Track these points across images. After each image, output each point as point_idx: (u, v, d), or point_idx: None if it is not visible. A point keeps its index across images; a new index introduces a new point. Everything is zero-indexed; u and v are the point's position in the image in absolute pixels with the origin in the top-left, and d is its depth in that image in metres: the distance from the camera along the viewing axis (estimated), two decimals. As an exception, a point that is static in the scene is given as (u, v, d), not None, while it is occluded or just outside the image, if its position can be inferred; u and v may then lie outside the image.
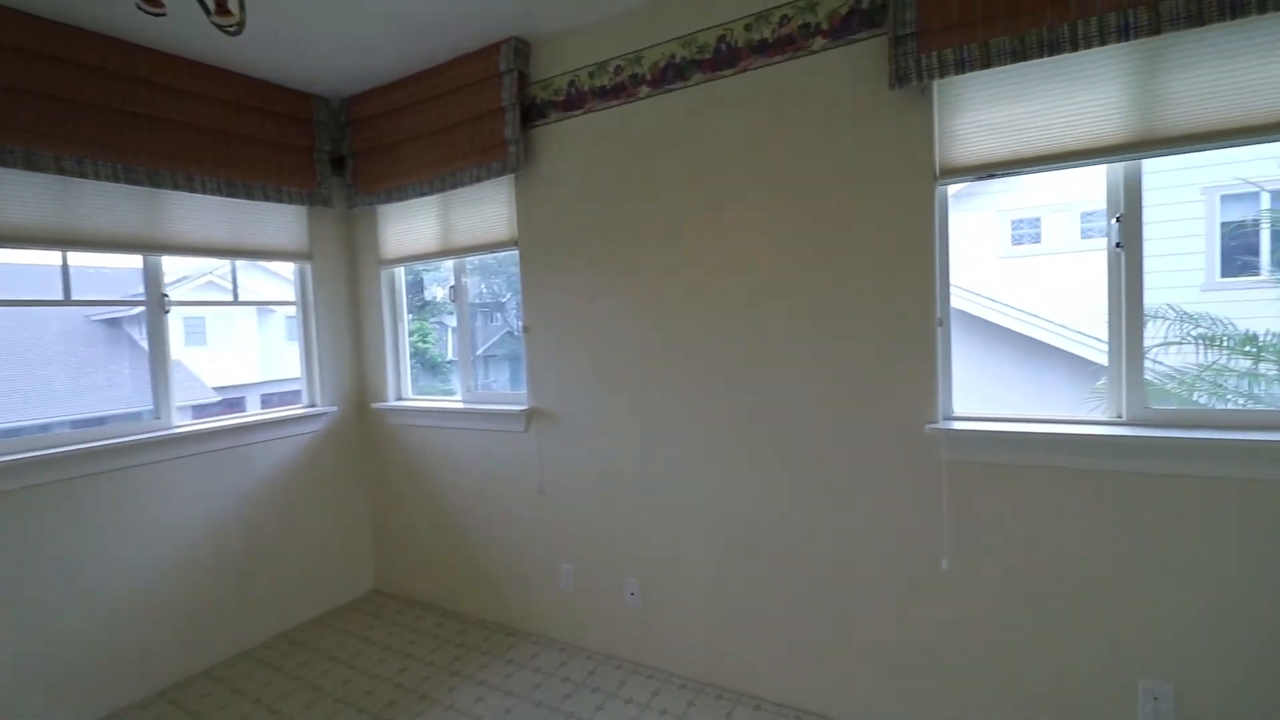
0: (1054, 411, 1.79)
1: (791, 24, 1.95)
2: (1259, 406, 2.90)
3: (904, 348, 1.87)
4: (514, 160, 2.41)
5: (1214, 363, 3.12)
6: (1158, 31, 1.46)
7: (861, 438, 1.95)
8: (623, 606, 2.43)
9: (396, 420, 3.04)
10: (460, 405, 2.83)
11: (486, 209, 2.64)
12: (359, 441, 3.17)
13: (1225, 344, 3.18)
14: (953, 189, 1.91)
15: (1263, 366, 3.00)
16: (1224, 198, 5.27)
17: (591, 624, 2.52)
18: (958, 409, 1.90)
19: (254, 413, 2.86)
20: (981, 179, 1.80)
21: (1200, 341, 3.19)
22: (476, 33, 2.34)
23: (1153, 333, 3.42)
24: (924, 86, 1.77)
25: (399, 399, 3.10)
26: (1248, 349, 3.20)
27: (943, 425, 1.83)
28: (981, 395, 1.93)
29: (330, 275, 3.04)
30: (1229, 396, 3.20)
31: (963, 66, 1.66)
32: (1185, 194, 4.75)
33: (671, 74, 2.16)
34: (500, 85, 2.39)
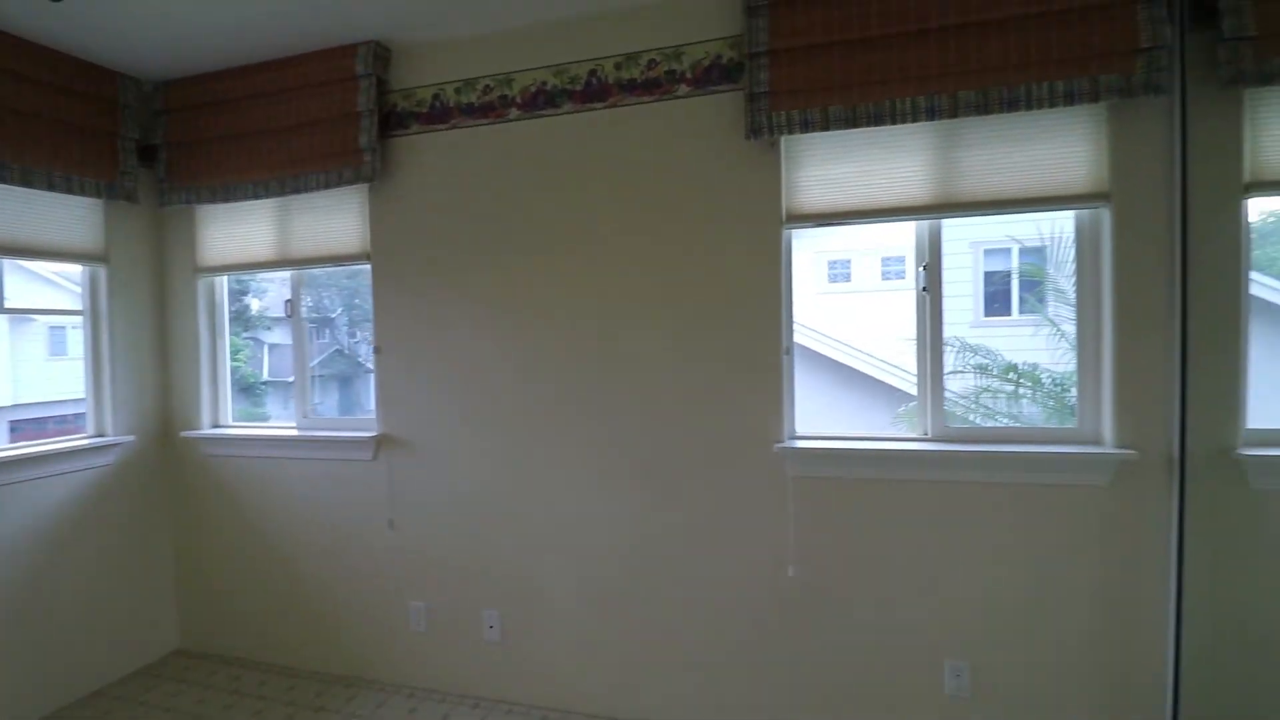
0: (875, 431, 2.06)
1: (659, 68, 2.08)
2: (1018, 424, 3.55)
3: (755, 374, 2.04)
4: (369, 169, 2.26)
5: (987, 387, 3.78)
6: (955, 115, 1.78)
7: (718, 459, 2.08)
8: (482, 641, 2.33)
9: (212, 451, 2.66)
10: (295, 433, 2.55)
11: (334, 219, 2.44)
12: (162, 476, 2.71)
13: (994, 372, 3.88)
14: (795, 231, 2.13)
15: (1020, 390, 3.70)
16: (986, 251, 6.47)
17: (446, 663, 2.37)
18: (799, 429, 2.11)
19: (16, 446, 2.33)
20: (820, 225, 2.04)
21: (976, 370, 3.86)
22: (330, 30, 2.18)
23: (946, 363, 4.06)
24: (774, 140, 1.98)
25: (216, 426, 2.72)
26: (1009, 376, 3.94)
27: (788, 444, 2.02)
28: (807, 417, 2.16)
29: (131, 281, 2.59)
30: (995, 416, 3.90)
31: (806, 127, 1.89)
32: (959, 246, 5.77)
33: (543, 100, 2.18)
34: (357, 89, 2.25)
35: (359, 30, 2.19)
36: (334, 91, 2.26)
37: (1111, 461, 1.77)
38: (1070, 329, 3.69)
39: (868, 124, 1.84)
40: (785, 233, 2.04)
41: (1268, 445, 1.71)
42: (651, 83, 2.09)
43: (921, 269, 2.00)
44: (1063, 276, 3.64)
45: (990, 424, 3.63)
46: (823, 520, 2.00)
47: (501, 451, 2.28)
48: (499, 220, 2.26)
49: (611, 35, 2.10)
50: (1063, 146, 1.80)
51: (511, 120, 2.22)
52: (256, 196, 2.40)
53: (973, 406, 4.05)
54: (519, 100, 2.20)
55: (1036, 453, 1.85)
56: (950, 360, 3.93)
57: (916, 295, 2.03)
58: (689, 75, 2.06)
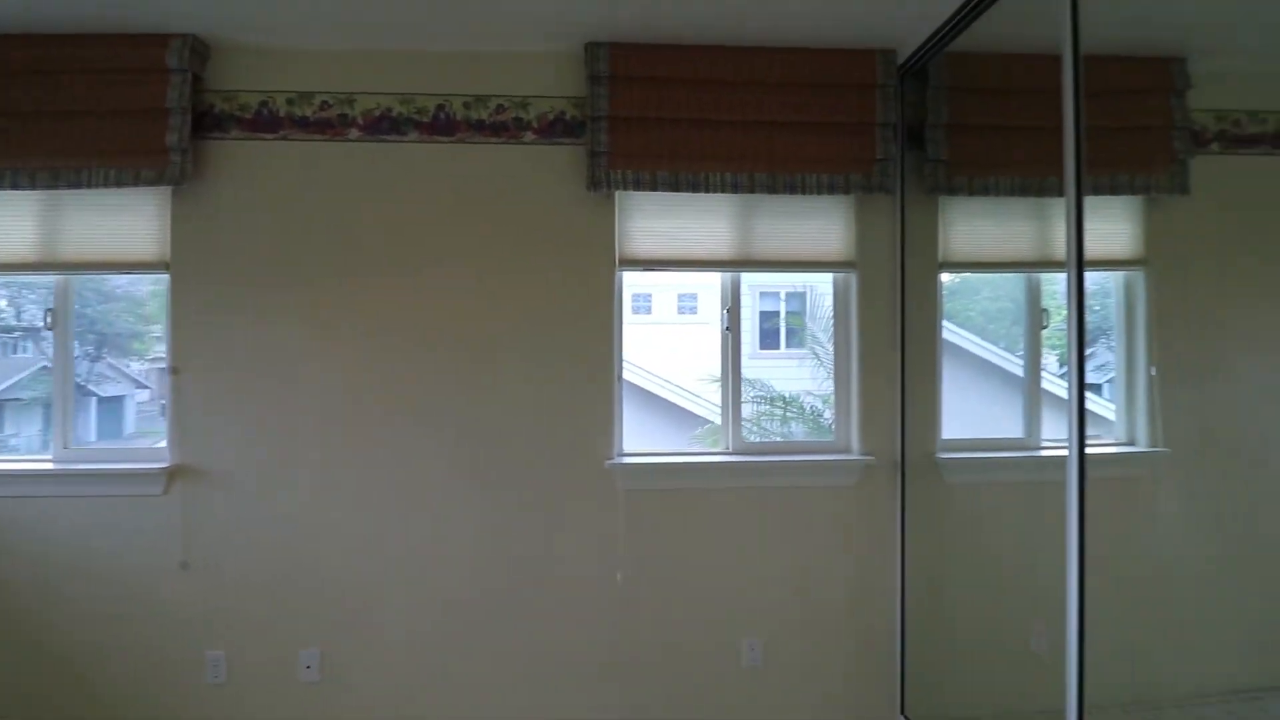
0: (685, 448, 2.41)
1: (507, 114, 2.24)
2: (794, 440, 4.24)
3: (591, 398, 2.27)
4: (176, 171, 2.06)
5: (767, 411, 4.47)
6: (753, 191, 2.22)
7: (556, 477, 2.25)
8: (297, 684, 2.17)
9: (-86, 492, 2.11)
10: (52, 467, 2.15)
11: (123, 221, 2.15)
12: None
13: (770, 400, 4.61)
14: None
15: (789, 414, 4.43)
16: (761, 293, 7.59)
17: (251, 716, 2.16)
18: (626, 447, 2.38)
19: None
20: (648, 270, 2.35)
21: (758, 399, 4.55)
22: (144, 15, 1.96)
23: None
24: (610, 193, 2.25)
25: (-81, 461, 2.17)
26: (778, 403, 4.71)
27: (619, 460, 2.27)
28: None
29: None
30: (770, 435, 4.64)
31: (639, 186, 2.20)
32: (743, 288, 6.80)
33: (387, 125, 2.21)
34: (167, 83, 2.04)
35: (176, 19, 2.01)
36: (140, 81, 2.02)
37: (859, 465, 2.31)
38: (824, 362, 4.50)
39: (688, 190, 2.21)
40: (618, 274, 2.31)
41: (953, 450, 2.38)
42: (500, 126, 2.24)
43: (725, 312, 2.42)
44: (813, 320, 4.49)
45: (773, 440, 4.30)
46: (647, 528, 2.27)
47: (323, 479, 2.19)
48: (331, 239, 2.20)
49: (461, 75, 2.22)
50: (826, 224, 2.34)
51: (352, 140, 2.20)
52: (18, 187, 2.02)
53: (754, 429, 4.76)
54: (361, 122, 2.20)
55: (809, 460, 2.33)
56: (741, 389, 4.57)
57: (720, 334, 2.43)
58: (535, 125, 2.25)
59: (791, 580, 2.31)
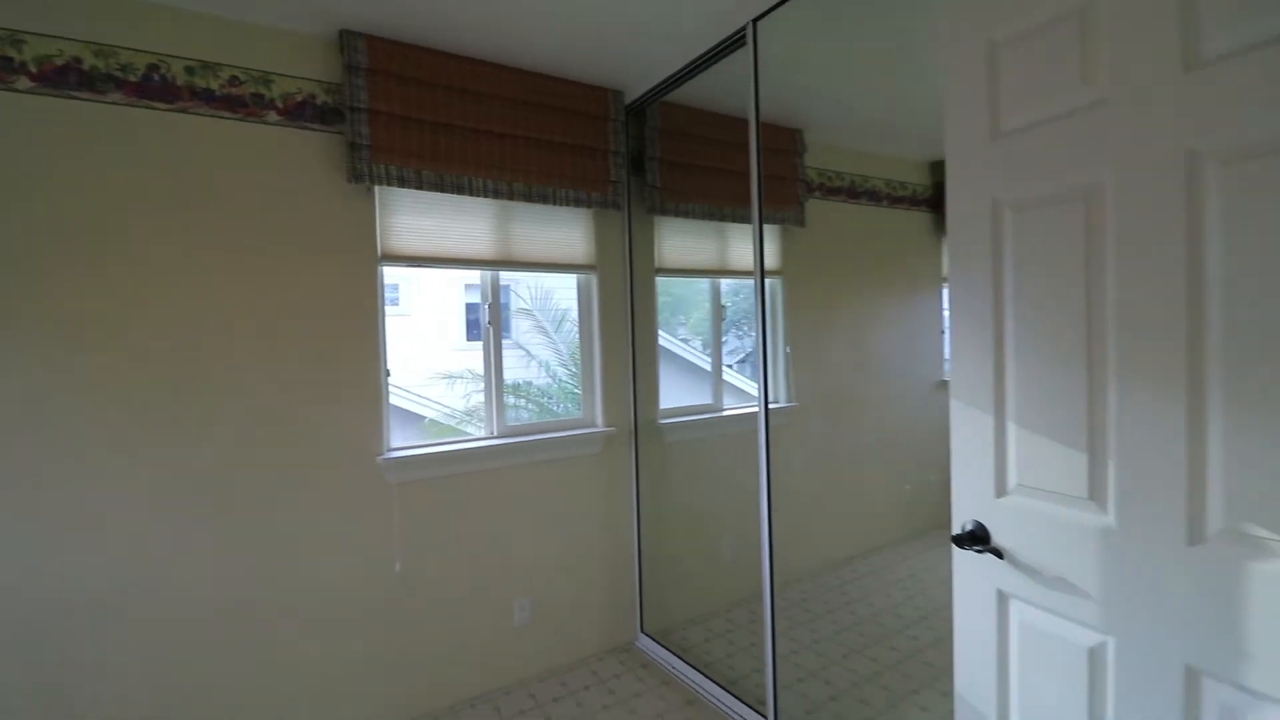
0: (455, 436, 2.55)
1: (244, 87, 2.04)
2: (548, 419, 4.57)
3: (358, 395, 2.24)
4: None
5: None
6: (511, 198, 2.46)
7: (325, 477, 2.17)
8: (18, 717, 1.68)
9: None
10: None
11: None
12: None
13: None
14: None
15: (521, 400, 4.76)
16: (466, 286, 7.73)
17: None
18: (393, 441, 2.40)
19: None
20: (411, 266, 2.40)
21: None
22: None
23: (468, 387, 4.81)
24: (370, 187, 2.24)
25: None
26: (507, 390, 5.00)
27: (389, 456, 2.30)
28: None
29: None
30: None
31: (403, 183, 2.24)
32: (439, 282, 6.90)
33: (75, 80, 1.81)
34: None
35: None
36: None
37: (602, 436, 2.77)
38: (539, 352, 4.93)
39: (453, 192, 2.33)
40: (380, 268, 2.31)
41: (668, 417, 3.01)
42: (235, 100, 2.03)
43: (487, 306, 2.61)
44: (541, 312, 4.90)
45: (531, 421, 4.55)
46: (421, 516, 2.36)
47: (17, 503, 1.73)
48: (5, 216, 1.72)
49: (184, 35, 1.94)
50: (573, 232, 2.72)
51: (21, 91, 1.74)
52: None
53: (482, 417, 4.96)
54: (34, 71, 1.76)
55: (564, 436, 2.70)
56: (465, 384, 4.72)
57: (483, 328, 2.62)
58: (280, 105, 2.10)
59: (555, 540, 2.66)
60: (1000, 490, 1.29)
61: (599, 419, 2.82)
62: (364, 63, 2.14)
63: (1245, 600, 0.94)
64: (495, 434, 2.62)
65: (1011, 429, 1.27)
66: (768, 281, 3.17)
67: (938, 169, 3.71)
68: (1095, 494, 1.13)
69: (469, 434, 2.69)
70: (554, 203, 2.55)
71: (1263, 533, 0.93)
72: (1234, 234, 0.95)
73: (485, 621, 2.49)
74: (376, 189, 2.27)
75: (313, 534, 2.15)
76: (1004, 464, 1.28)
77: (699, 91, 2.65)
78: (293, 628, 2.12)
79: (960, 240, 1.35)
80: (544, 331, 4.66)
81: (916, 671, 2.46)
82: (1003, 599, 1.30)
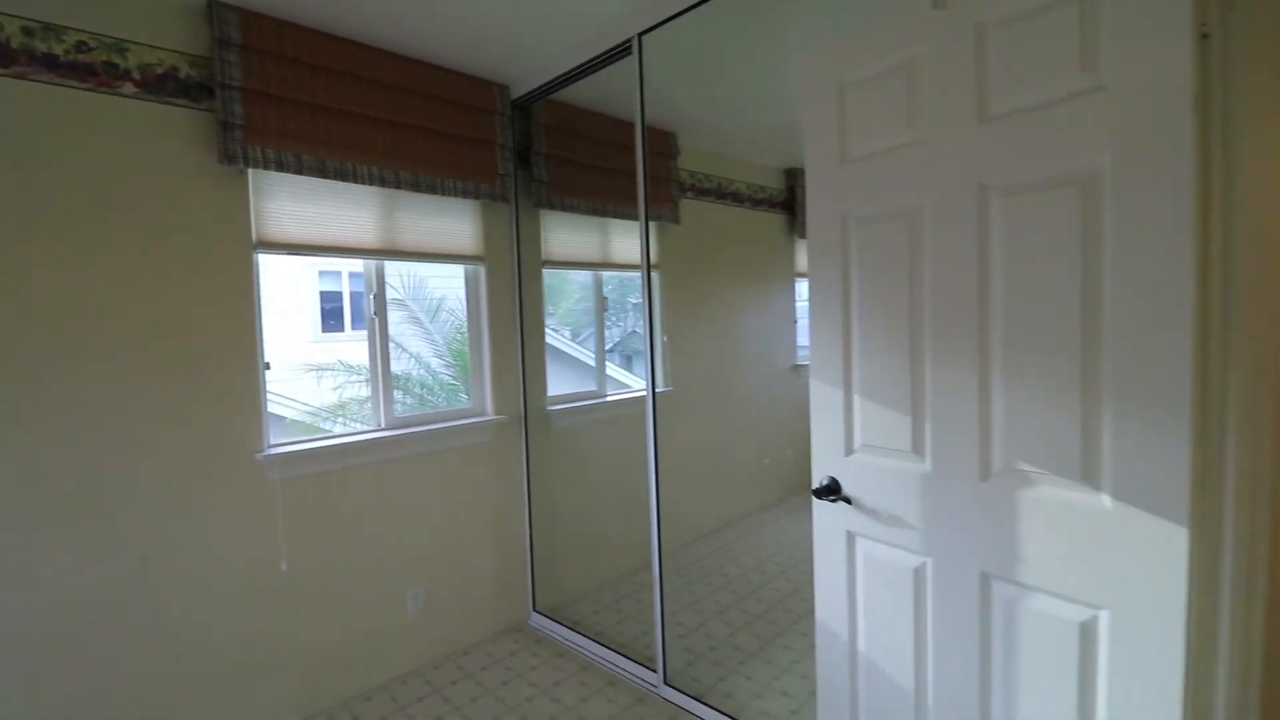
0: (346, 429, 2.49)
1: (94, 55, 1.86)
2: (439, 409, 4.44)
3: (237, 390, 2.13)
4: None
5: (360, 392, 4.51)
6: (399, 187, 2.44)
7: (200, 478, 2.04)
8: None
9: None
10: None
11: None
12: None
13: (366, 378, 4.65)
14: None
15: (399, 394, 4.59)
16: (321, 273, 7.26)
17: None
18: (274, 438, 2.31)
19: None
20: (291, 254, 2.30)
21: (357, 379, 4.54)
22: None
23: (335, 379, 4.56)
24: (243, 170, 2.13)
25: None
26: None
27: (268, 452, 2.21)
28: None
29: None
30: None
31: (282, 167, 2.15)
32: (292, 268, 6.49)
33: (-127, 29, 1.55)
34: None
35: None
36: None
37: (493, 424, 2.84)
38: (413, 344, 4.81)
39: (335, 178, 2.28)
40: (255, 256, 2.20)
41: (556, 404, 3.14)
42: (84, 67, 1.84)
43: (372, 297, 2.57)
44: (415, 301, 4.74)
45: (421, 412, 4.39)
46: (308, 512, 2.29)
47: None
48: None
49: (14, -10, 1.73)
50: (462, 223, 2.74)
51: None
52: None
53: (349, 413, 4.72)
54: None
55: (454, 425, 2.73)
56: (337, 377, 4.49)
57: (368, 318, 2.58)
58: (137, 77, 1.93)
59: (448, 529, 2.69)
60: (849, 450, 1.59)
61: (489, 407, 2.88)
62: (236, 38, 2.03)
63: (1017, 518, 1.29)
64: (383, 426, 2.59)
65: (856, 400, 1.57)
66: (648, 274, 3.41)
67: (791, 175, 4.17)
68: (916, 447, 1.45)
69: (355, 429, 2.63)
70: (442, 193, 2.57)
71: (1029, 468, 1.27)
72: (1009, 249, 1.28)
73: (378, 614, 2.48)
74: (251, 173, 2.16)
75: (192, 537, 2.03)
76: (851, 429, 1.58)
77: (584, 92, 2.78)
78: (178, 634, 1.99)
79: (817, 247, 1.63)
80: (418, 322, 4.54)
81: (780, 618, 2.83)
82: (851, 538, 1.60)
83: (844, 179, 1.56)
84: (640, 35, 2.23)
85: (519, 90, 2.77)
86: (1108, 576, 1.16)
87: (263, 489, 2.18)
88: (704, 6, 2.03)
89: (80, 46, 1.84)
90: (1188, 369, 1.06)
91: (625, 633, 2.75)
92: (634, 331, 4.47)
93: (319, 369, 4.35)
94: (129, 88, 1.92)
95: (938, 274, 1.39)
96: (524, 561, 2.97)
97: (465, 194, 2.64)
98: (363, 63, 2.32)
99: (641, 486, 2.42)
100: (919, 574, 1.46)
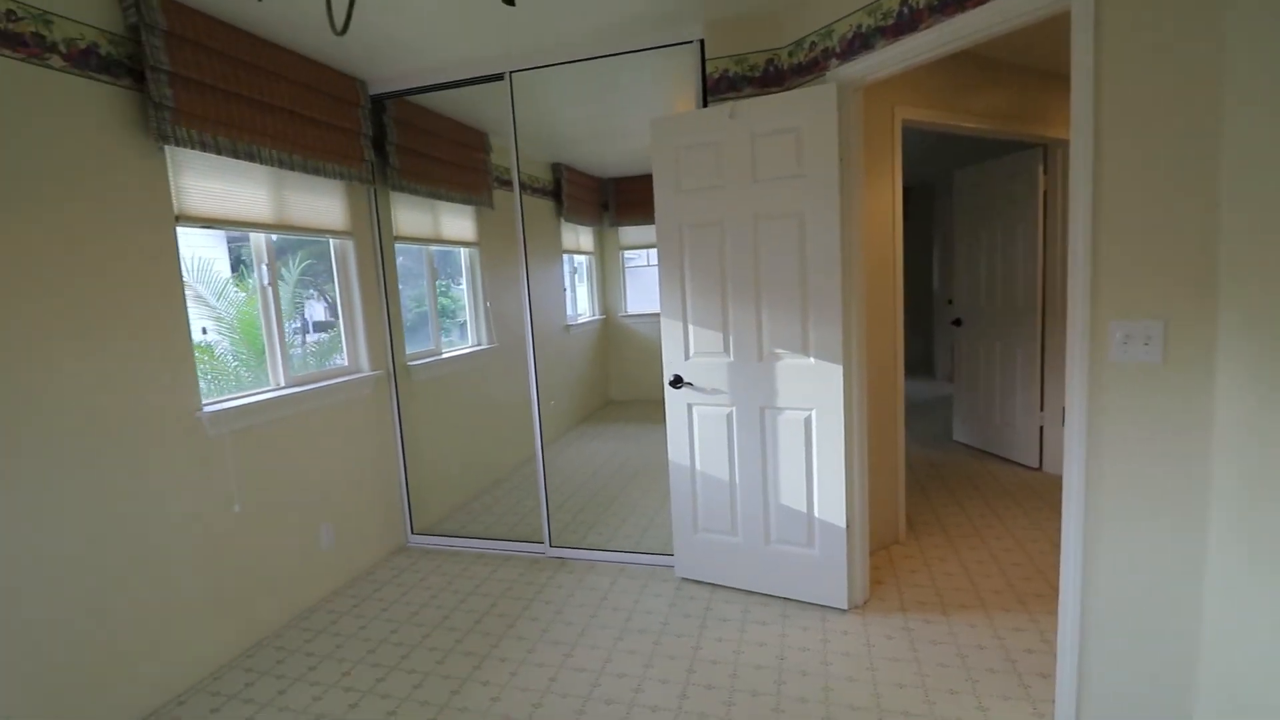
0: (254, 389, 2.72)
1: (23, 24, 1.89)
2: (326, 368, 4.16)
3: (170, 355, 2.31)
4: None
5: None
6: (291, 169, 2.75)
7: (146, 441, 2.21)
8: None
9: None
10: None
11: None
12: None
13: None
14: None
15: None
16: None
17: None
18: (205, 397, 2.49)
19: None
20: (205, 228, 2.46)
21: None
22: None
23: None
24: (161, 148, 2.28)
25: None
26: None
27: (205, 411, 2.43)
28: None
29: None
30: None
31: (204, 148, 2.36)
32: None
33: None
34: None
35: None
36: None
37: (371, 379, 3.30)
38: (202, 322, 4.50)
39: (245, 159, 2.52)
40: (176, 230, 2.35)
41: (413, 360, 3.67)
42: (14, 37, 1.87)
43: (264, 266, 2.81)
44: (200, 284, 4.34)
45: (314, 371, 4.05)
46: (249, 460, 2.56)
47: None
48: None
49: (-52, -46, 1.71)
50: (336, 201, 3.09)
51: None
52: None
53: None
54: None
55: (341, 381, 3.12)
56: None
57: (261, 288, 2.81)
58: (64, 50, 1.99)
59: (347, 472, 3.11)
60: (687, 356, 2.79)
61: (365, 365, 3.31)
62: (161, 24, 2.18)
63: (775, 376, 2.65)
64: (284, 384, 2.88)
65: (691, 328, 2.77)
66: (469, 250, 4.12)
67: (556, 169, 5.19)
68: (725, 349, 2.72)
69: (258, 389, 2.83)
70: (322, 175, 2.93)
71: (780, 350, 2.63)
72: (766, 245, 2.60)
73: (297, 548, 2.83)
74: (168, 150, 2.30)
75: (143, 489, 2.20)
76: (688, 344, 2.78)
77: (432, 98, 3.36)
78: (128, 583, 2.17)
79: (665, 242, 2.76)
80: (203, 301, 4.21)
81: (611, 492, 3.97)
82: (689, 408, 2.82)
83: (679, 202, 2.72)
84: (511, 73, 3.01)
85: (376, 88, 3.21)
86: (812, 395, 2.59)
87: (207, 443, 2.41)
88: (555, 66, 2.94)
89: (9, 15, 1.87)
90: (838, 298, 2.51)
91: (502, 524, 3.57)
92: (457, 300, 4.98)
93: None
94: (57, 60, 1.98)
95: (731, 259, 2.65)
96: (402, 496, 3.51)
97: (340, 176, 3.03)
98: (264, 55, 2.58)
99: (492, 421, 3.26)
100: (729, 417, 2.75)
